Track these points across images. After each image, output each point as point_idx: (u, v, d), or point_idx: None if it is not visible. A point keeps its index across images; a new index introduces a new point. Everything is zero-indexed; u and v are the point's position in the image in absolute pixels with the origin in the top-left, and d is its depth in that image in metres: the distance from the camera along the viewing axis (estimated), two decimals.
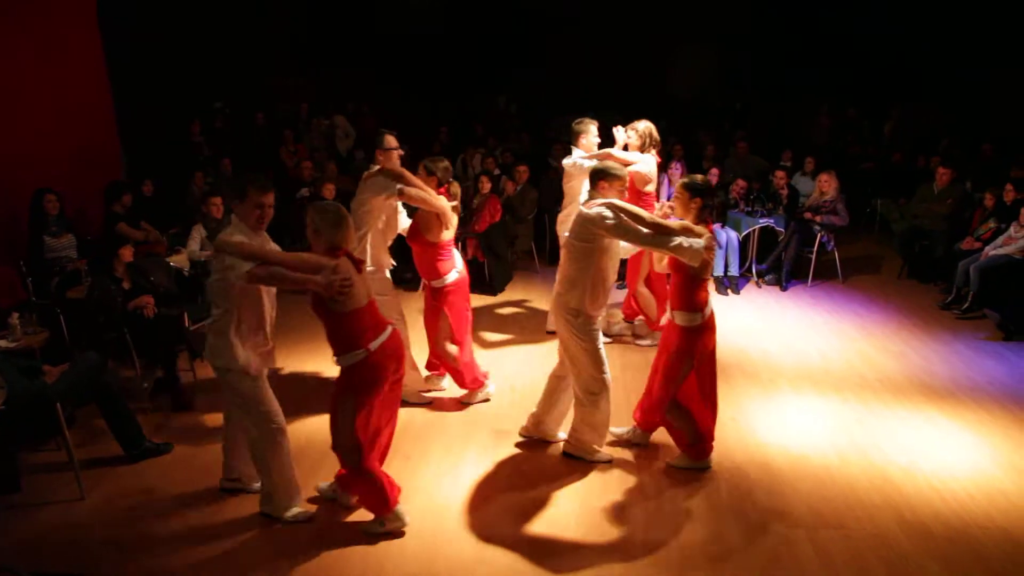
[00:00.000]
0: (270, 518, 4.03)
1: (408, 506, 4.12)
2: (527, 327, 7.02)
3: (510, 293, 8.13)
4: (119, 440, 4.64)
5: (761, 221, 8.22)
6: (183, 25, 11.37)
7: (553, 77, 14.22)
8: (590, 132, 6.02)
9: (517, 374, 5.92)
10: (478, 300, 7.82)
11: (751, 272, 8.48)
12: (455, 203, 5.13)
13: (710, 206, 4.23)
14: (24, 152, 6.84)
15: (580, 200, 6.05)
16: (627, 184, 4.39)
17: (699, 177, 4.32)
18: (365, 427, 3.75)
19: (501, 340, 6.73)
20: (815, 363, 6.17)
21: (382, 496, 3.82)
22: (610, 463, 4.60)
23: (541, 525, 3.99)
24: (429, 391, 5.56)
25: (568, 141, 6.22)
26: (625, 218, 4.05)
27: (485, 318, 7.30)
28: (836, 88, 13.08)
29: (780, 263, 8.18)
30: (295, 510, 4.05)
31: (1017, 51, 11.36)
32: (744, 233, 8.21)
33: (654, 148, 6.06)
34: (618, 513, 4.11)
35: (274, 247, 3.88)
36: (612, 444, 4.77)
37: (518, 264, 9.07)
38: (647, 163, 5.96)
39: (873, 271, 8.88)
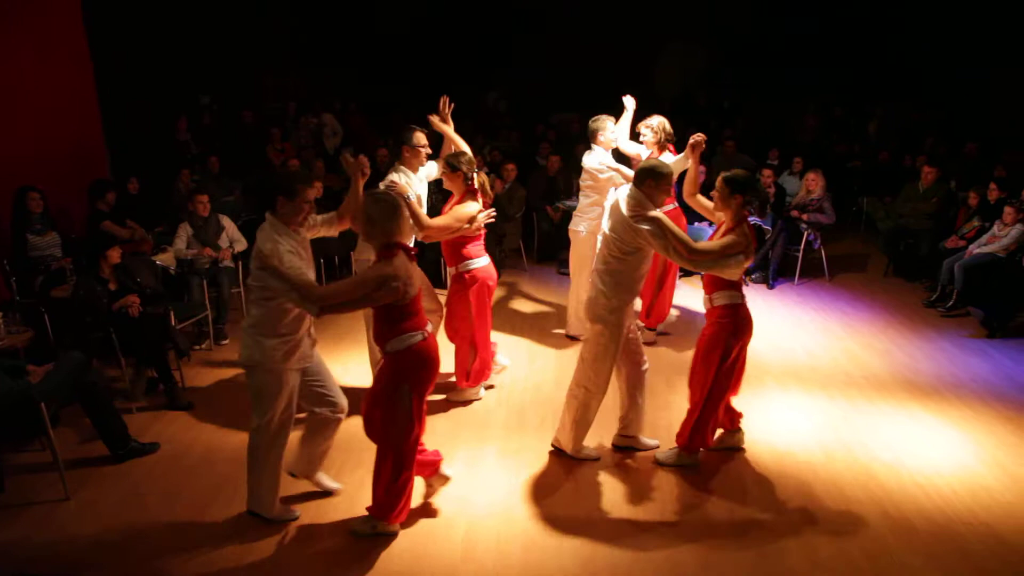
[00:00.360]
0: (258, 517, 4.01)
1: None
2: (516, 325, 7.02)
3: (498, 291, 8.10)
4: (104, 440, 4.61)
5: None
6: (169, 21, 11.28)
7: (542, 75, 14.20)
8: (607, 128, 6.02)
9: (504, 373, 5.92)
10: None
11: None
12: (485, 197, 5.09)
13: (750, 201, 4.22)
14: (7, 149, 6.77)
15: (586, 199, 6.13)
16: (673, 181, 4.37)
17: (740, 172, 4.29)
18: (414, 416, 3.65)
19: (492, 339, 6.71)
20: (801, 360, 6.20)
21: (396, 504, 3.77)
22: (598, 460, 4.61)
23: (527, 524, 4.00)
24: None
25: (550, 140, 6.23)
26: (673, 240, 4.05)
27: None
28: (822, 87, 13.16)
29: (767, 261, 8.22)
30: (280, 508, 4.04)
31: (997, 51, 11.48)
32: None
33: (669, 144, 6.04)
34: (605, 513, 4.12)
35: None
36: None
37: (506, 263, 9.06)
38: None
39: (859, 269, 8.93)
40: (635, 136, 6.20)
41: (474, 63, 14.59)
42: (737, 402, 4.70)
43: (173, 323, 5.67)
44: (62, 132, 7.47)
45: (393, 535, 3.87)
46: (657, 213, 4.13)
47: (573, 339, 6.51)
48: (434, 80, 14.05)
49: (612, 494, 4.28)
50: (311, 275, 3.59)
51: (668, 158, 5.77)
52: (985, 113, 11.95)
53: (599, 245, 5.88)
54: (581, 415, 4.49)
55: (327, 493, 4.26)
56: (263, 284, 3.58)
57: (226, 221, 7.07)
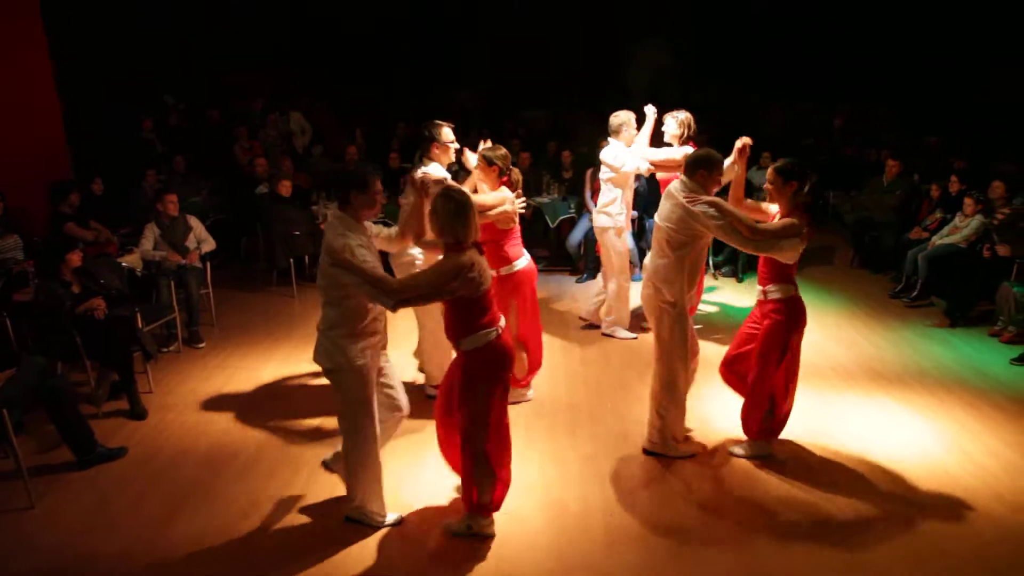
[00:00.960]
0: (360, 524, 3.92)
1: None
2: None
3: None
4: (70, 446, 4.53)
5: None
6: (132, 19, 11.12)
7: (513, 73, 14.20)
8: (631, 124, 6.11)
9: None
10: None
11: (707, 264, 8.57)
12: (517, 191, 5.05)
13: (802, 190, 4.25)
14: None
15: (610, 194, 6.18)
16: (723, 171, 4.42)
17: (789, 160, 4.34)
18: (495, 413, 3.64)
19: None
20: None
21: (489, 495, 3.71)
22: (694, 456, 4.61)
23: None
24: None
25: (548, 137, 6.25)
26: (734, 221, 4.10)
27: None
28: (789, 83, 13.33)
29: (736, 255, 8.29)
30: (391, 516, 3.96)
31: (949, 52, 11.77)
32: None
33: (691, 141, 6.10)
34: (574, 504, 4.14)
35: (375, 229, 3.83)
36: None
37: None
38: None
39: (826, 261, 9.06)
40: (658, 142, 6.24)
41: (443, 62, 14.56)
42: (707, 394, 4.75)
43: (140, 325, 5.59)
44: (22, 132, 7.31)
45: (490, 536, 3.80)
46: (713, 198, 4.20)
47: (592, 328, 6.72)
48: (403, 79, 14.06)
49: (581, 487, 4.30)
50: (380, 271, 3.53)
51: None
52: (929, 109, 12.22)
53: (629, 240, 5.90)
54: (671, 409, 4.49)
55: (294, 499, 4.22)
56: (335, 282, 3.52)
57: (194, 221, 6.99)
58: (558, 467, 4.53)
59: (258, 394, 5.54)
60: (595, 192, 7.17)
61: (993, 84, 12.01)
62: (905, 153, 9.43)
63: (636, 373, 5.79)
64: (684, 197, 4.19)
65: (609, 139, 6.16)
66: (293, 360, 6.15)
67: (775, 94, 12.99)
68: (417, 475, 4.44)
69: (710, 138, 10.51)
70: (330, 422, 5.06)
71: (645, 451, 4.65)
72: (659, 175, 6.14)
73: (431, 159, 4.95)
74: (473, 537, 3.80)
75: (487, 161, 4.95)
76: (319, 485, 4.32)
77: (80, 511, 4.13)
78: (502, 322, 3.63)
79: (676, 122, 6.06)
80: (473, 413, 3.58)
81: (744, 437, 4.63)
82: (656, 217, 4.43)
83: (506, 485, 3.83)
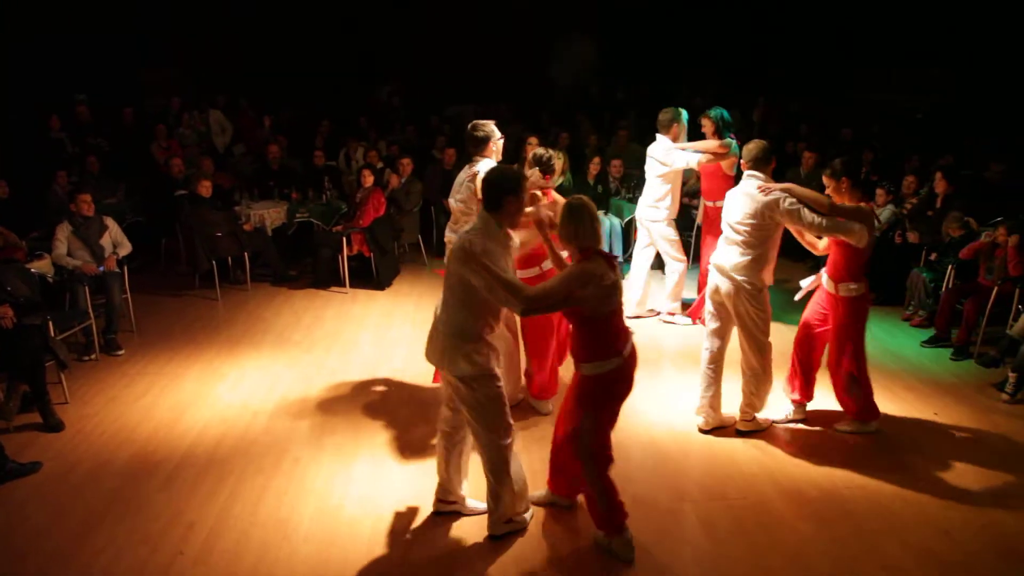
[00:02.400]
0: (497, 539, 3.79)
1: (301, 510, 4.05)
2: (416, 320, 6.97)
3: (397, 286, 8.06)
4: None
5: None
6: (36, 13, 10.62)
7: (437, 68, 14.13)
8: (683, 120, 6.39)
9: (407, 368, 5.88)
10: (364, 296, 7.73)
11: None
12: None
13: (859, 181, 4.56)
14: None
15: (662, 188, 6.39)
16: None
17: (838, 161, 4.60)
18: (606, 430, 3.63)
19: (391, 335, 6.66)
20: (697, 342, 6.41)
21: (611, 514, 3.64)
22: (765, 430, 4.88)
23: (434, 520, 3.99)
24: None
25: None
26: (809, 203, 4.33)
27: (373, 313, 7.21)
28: (713, 80, 13.65)
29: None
30: (525, 514, 3.90)
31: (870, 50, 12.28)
32: (627, 219, 8.43)
33: (725, 130, 6.42)
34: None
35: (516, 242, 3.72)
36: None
37: (405, 257, 9.00)
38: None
39: None
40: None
41: (366, 57, 14.38)
42: (637, 386, 4.80)
43: (52, 334, 5.35)
44: None
45: (629, 559, 3.65)
46: (787, 184, 4.51)
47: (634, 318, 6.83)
48: (324, 75, 13.81)
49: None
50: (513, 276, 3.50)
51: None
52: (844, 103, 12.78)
53: (671, 232, 6.35)
54: (763, 385, 4.78)
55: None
56: (463, 282, 3.41)
57: (109, 222, 6.71)
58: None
59: (181, 402, 5.37)
60: None
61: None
62: (820, 145, 9.77)
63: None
64: (759, 189, 4.46)
65: (659, 135, 6.42)
66: (217, 365, 5.98)
67: (700, 90, 13.26)
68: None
69: (631, 133, 10.74)
70: (255, 428, 4.96)
71: (738, 432, 4.87)
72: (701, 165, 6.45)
73: (484, 156, 4.89)
74: (613, 554, 3.69)
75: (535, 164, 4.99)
76: (245, 493, 4.22)
77: None
78: (627, 348, 3.55)
79: (710, 120, 6.42)
80: (585, 434, 3.54)
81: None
82: (726, 219, 4.65)
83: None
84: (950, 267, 6.66)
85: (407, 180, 8.85)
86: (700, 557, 3.72)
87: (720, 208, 6.57)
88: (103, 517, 4.01)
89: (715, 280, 4.71)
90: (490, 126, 4.89)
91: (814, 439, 4.82)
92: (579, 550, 3.75)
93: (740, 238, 4.56)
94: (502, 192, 3.46)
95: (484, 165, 4.78)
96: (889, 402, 5.30)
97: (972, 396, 5.49)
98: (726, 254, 4.65)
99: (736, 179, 6.25)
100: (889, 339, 6.50)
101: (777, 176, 8.87)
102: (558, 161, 5.03)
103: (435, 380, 5.11)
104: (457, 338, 3.50)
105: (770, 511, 4.07)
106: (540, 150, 4.98)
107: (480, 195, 3.86)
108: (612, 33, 14.47)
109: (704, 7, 14.21)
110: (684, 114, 6.50)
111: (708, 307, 4.88)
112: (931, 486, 4.30)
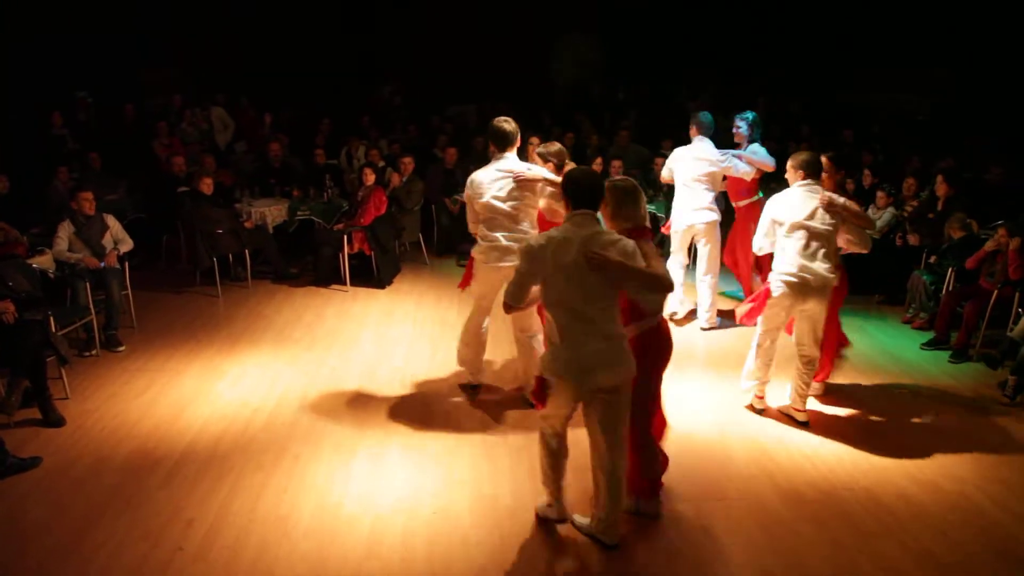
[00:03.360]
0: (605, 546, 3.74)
1: (300, 507, 4.06)
2: (417, 319, 6.98)
3: (398, 285, 8.07)
4: None
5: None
6: (36, 13, 10.62)
7: (438, 68, 14.13)
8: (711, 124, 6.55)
9: (407, 366, 5.89)
10: (365, 294, 7.74)
11: None
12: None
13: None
14: None
15: (711, 191, 6.49)
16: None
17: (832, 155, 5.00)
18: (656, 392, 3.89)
19: (391, 334, 6.67)
20: (697, 342, 6.43)
21: (652, 473, 3.91)
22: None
23: (432, 518, 4.00)
24: None
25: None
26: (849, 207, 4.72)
27: (374, 312, 7.21)
28: (708, 78, 13.66)
29: (664, 246, 8.45)
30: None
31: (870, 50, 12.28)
32: None
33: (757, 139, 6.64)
34: (505, 498, 4.16)
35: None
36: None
37: (406, 256, 9.01)
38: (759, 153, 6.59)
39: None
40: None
41: (366, 57, 14.38)
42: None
43: (53, 329, 5.36)
44: None
45: (655, 516, 3.96)
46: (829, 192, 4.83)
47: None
48: (325, 75, 13.82)
49: (516, 481, 4.32)
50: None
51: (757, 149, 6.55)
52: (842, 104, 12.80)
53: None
54: (810, 378, 5.01)
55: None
56: (612, 286, 3.42)
57: (111, 220, 6.72)
58: (489, 461, 4.54)
59: (181, 398, 5.38)
60: None
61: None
62: (820, 147, 9.77)
63: None
64: (820, 197, 4.73)
65: (699, 136, 6.51)
66: (217, 362, 5.99)
67: (700, 91, 13.26)
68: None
69: (632, 133, 10.74)
70: (255, 425, 4.97)
71: (796, 420, 5.06)
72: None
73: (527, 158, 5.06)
74: (640, 516, 3.94)
75: (543, 159, 5.11)
76: (244, 490, 4.23)
77: None
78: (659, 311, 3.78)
79: (746, 123, 6.57)
80: (640, 392, 3.69)
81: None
82: (806, 221, 4.76)
83: (666, 460, 4.09)
84: (950, 270, 6.66)
85: (408, 179, 8.85)
86: (698, 558, 3.72)
87: (747, 207, 6.64)
88: (103, 512, 4.01)
89: (795, 278, 4.79)
90: (508, 124, 4.96)
91: (812, 441, 4.83)
92: (580, 548, 3.76)
93: (829, 237, 4.76)
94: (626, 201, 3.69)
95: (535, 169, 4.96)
96: (888, 404, 5.32)
97: (971, 398, 5.50)
98: (809, 254, 4.76)
99: (761, 180, 6.62)
100: (889, 341, 6.51)
101: (775, 177, 8.91)
102: (555, 156, 5.13)
103: (539, 408, 4.70)
104: (621, 341, 3.48)
105: (768, 512, 4.08)
106: (557, 145, 5.17)
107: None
108: (613, 33, 14.48)
109: (704, 7, 14.21)
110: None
111: (777, 306, 4.96)
112: (930, 487, 4.31)
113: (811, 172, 4.85)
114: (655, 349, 3.76)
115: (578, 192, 3.45)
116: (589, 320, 3.37)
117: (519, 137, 4.98)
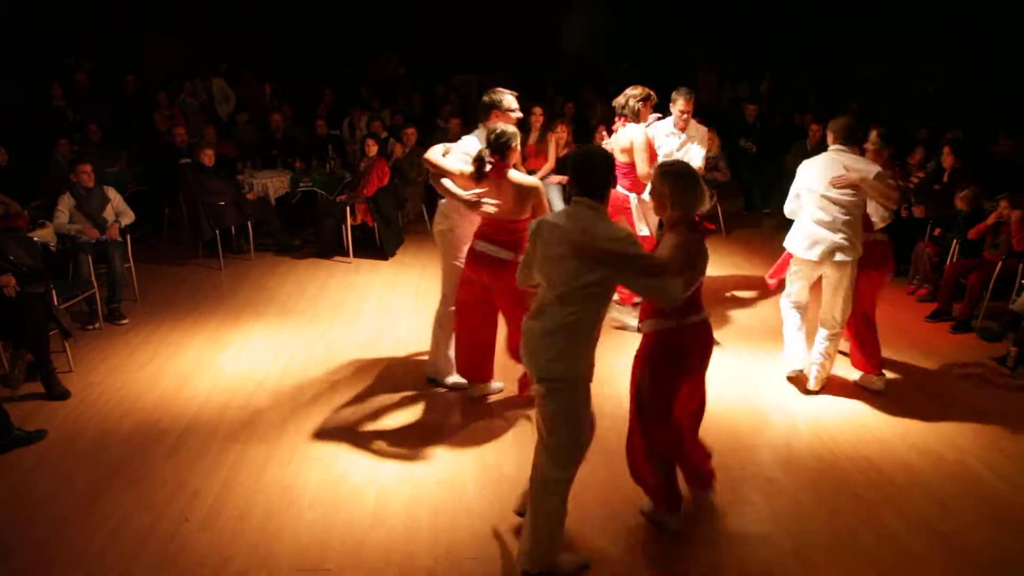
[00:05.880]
0: None
1: (305, 477, 4.09)
2: (420, 290, 6.98)
3: (401, 257, 8.06)
4: None
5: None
6: None
7: (442, 37, 13.97)
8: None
9: (410, 337, 5.90)
10: (368, 265, 7.73)
11: None
12: None
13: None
14: None
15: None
16: None
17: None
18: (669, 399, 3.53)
19: (394, 305, 6.67)
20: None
21: (666, 490, 3.60)
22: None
23: (436, 487, 4.03)
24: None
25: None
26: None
27: (377, 283, 7.21)
28: (717, 50, 13.49)
29: None
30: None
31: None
32: None
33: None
34: (508, 467, 4.18)
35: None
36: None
37: (409, 227, 8.98)
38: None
39: (754, 225, 9.29)
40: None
41: (369, 26, 14.22)
42: None
43: (56, 302, 5.37)
44: None
45: (673, 532, 3.64)
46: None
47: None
48: (328, 44, 13.68)
49: (519, 451, 4.33)
50: None
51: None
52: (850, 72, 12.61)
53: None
54: (829, 352, 4.96)
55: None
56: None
57: (111, 192, 6.72)
58: (492, 431, 4.57)
59: (185, 370, 5.40)
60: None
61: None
62: (827, 118, 9.67)
63: None
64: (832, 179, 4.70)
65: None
66: (220, 335, 6.01)
67: (708, 62, 13.10)
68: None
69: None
70: (259, 397, 4.99)
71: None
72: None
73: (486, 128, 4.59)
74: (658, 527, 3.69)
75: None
76: (249, 461, 4.26)
77: None
78: (693, 317, 3.43)
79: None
80: (639, 395, 3.50)
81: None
82: (822, 186, 4.73)
83: (695, 479, 3.83)
84: (955, 241, 6.62)
85: (411, 150, 8.81)
86: (700, 527, 3.74)
87: None
88: (109, 484, 4.05)
89: (808, 240, 4.81)
90: (500, 95, 4.69)
91: (814, 410, 4.84)
92: (580, 516, 3.79)
93: (848, 203, 4.70)
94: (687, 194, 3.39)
95: (470, 140, 4.64)
96: (890, 373, 5.31)
97: (972, 369, 5.50)
98: (827, 220, 4.74)
99: None
100: (892, 312, 6.49)
101: (783, 148, 8.82)
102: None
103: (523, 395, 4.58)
104: (563, 338, 3.19)
105: (769, 480, 4.10)
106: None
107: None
108: (619, 3, 14.27)
109: None
110: None
111: (796, 268, 4.98)
112: (930, 458, 4.33)
113: (842, 138, 4.77)
114: (663, 354, 3.45)
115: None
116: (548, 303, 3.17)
117: (494, 111, 4.65)
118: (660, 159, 6.04)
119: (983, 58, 11.14)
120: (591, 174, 3.17)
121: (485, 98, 4.70)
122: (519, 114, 4.74)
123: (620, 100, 5.93)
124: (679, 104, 6.13)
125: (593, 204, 3.13)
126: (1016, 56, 10.49)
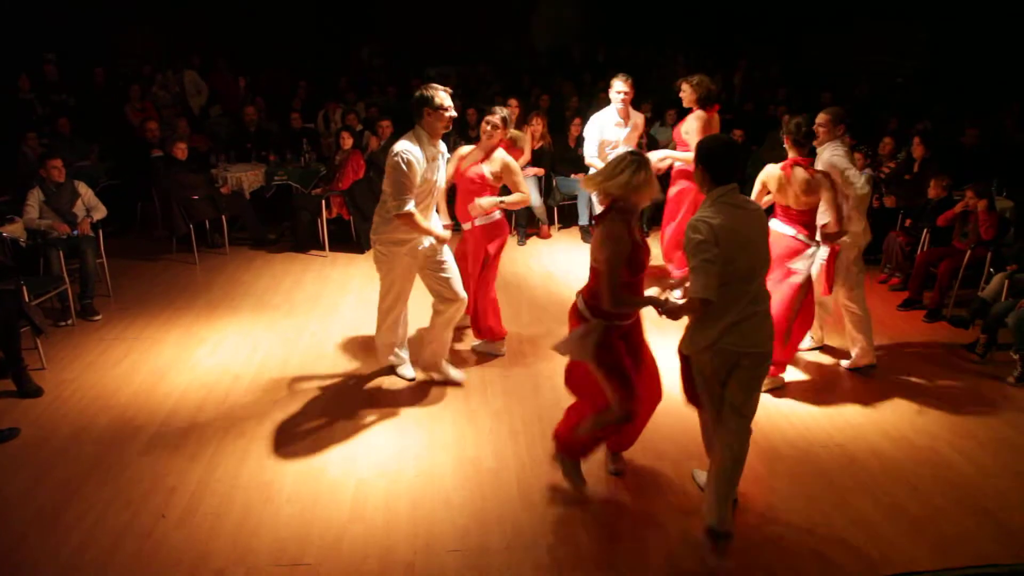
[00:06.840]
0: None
1: (283, 472, 4.08)
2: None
3: None
4: None
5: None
6: None
7: (417, 29, 13.89)
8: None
9: None
10: (344, 259, 7.70)
11: None
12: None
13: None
14: None
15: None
16: None
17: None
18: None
19: (371, 298, 6.63)
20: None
21: (583, 444, 3.81)
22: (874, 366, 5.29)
23: (415, 480, 4.04)
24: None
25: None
26: None
27: (353, 276, 7.18)
28: (691, 39, 13.54)
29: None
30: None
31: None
32: None
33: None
34: (487, 460, 4.20)
35: None
36: None
37: None
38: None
39: None
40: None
41: (342, 17, 14.09)
42: None
43: (27, 299, 5.29)
44: None
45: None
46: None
47: None
48: (304, 36, 13.54)
49: (498, 443, 4.36)
50: None
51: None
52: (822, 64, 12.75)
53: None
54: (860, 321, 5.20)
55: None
56: None
57: (82, 187, 6.62)
58: (471, 424, 4.58)
59: (160, 366, 5.35)
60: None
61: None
62: (799, 110, 9.76)
63: (545, 328, 5.89)
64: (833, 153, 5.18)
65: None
66: (196, 330, 5.95)
67: (682, 54, 13.14)
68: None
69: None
70: (236, 392, 4.96)
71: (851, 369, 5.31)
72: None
73: (423, 129, 4.40)
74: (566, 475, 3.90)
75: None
76: (226, 456, 4.24)
77: None
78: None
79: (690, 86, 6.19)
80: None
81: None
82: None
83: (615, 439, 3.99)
84: (925, 231, 6.72)
85: (387, 142, 8.75)
86: (676, 514, 3.78)
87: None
88: (84, 482, 4.01)
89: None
90: (432, 91, 4.39)
91: (789, 399, 4.90)
92: (561, 507, 3.81)
93: (842, 191, 5.08)
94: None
95: (405, 142, 4.40)
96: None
97: (944, 357, 5.60)
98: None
99: None
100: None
101: (757, 140, 8.91)
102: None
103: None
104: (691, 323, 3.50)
105: (746, 469, 4.12)
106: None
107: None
108: None
109: None
110: None
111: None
112: (902, 444, 4.41)
113: (794, 140, 5.19)
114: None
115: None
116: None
117: (426, 109, 4.40)
118: (608, 150, 6.21)
119: (942, 48, 11.31)
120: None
121: (417, 94, 4.41)
122: (453, 113, 4.46)
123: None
124: (621, 86, 6.23)
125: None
126: (972, 46, 10.66)
